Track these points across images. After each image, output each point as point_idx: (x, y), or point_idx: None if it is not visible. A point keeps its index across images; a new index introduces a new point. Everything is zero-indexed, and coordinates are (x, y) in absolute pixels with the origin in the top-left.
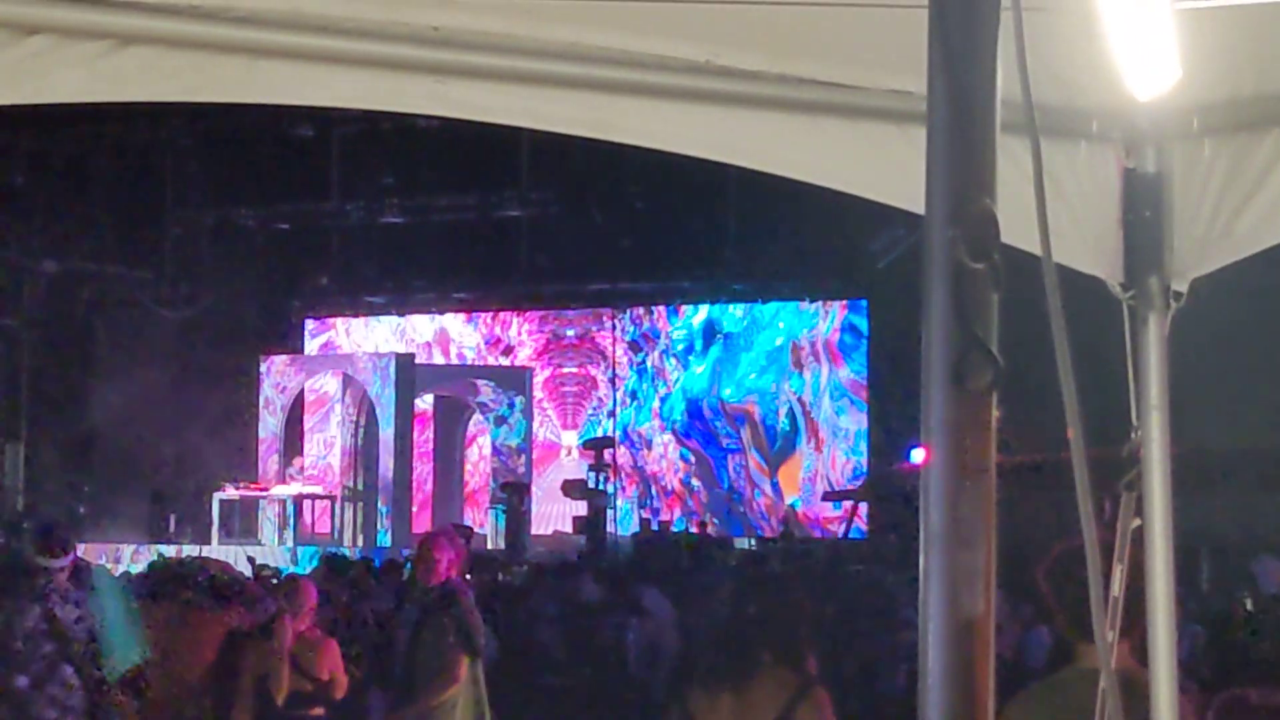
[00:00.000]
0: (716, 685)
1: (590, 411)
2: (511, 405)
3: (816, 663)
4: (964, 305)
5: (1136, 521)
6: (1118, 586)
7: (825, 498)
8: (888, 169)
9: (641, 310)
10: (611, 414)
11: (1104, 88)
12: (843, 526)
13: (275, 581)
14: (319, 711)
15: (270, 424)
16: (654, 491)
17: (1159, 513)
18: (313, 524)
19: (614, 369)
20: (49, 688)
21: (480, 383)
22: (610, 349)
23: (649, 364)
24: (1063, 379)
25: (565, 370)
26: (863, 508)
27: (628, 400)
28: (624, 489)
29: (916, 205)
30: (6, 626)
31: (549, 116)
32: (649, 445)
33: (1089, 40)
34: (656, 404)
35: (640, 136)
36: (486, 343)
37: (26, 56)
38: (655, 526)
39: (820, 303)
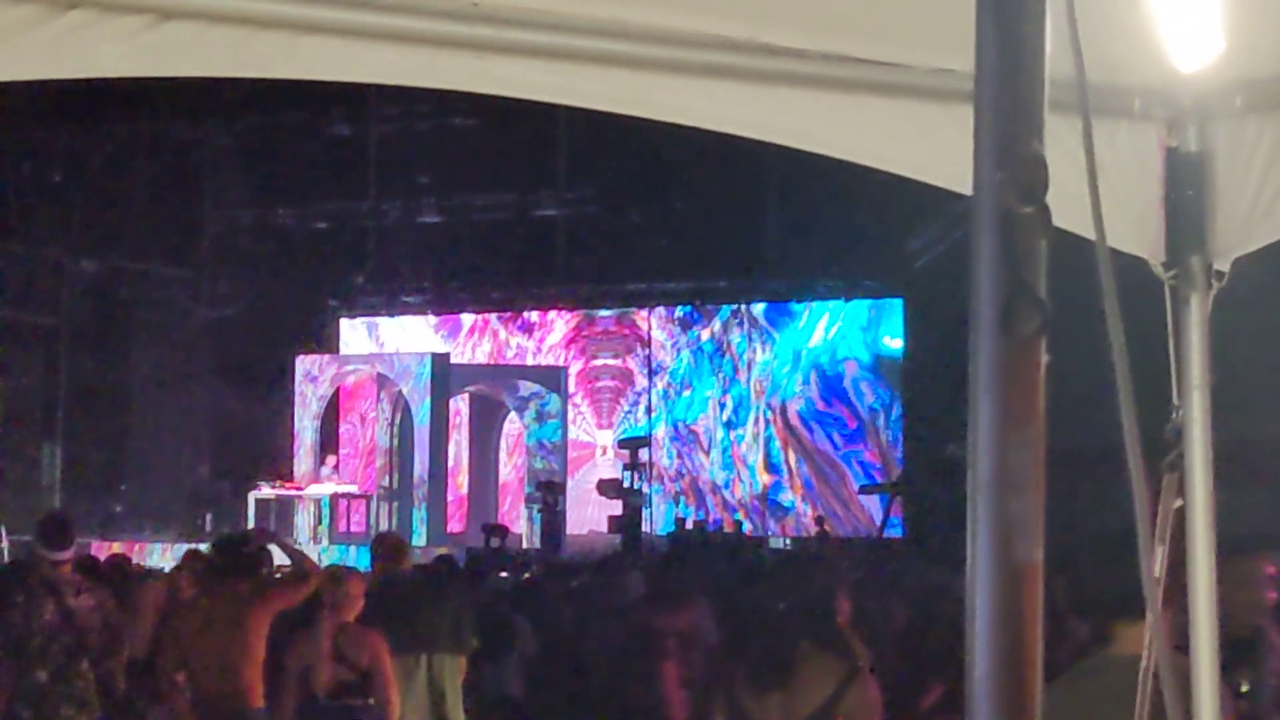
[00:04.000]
0: (763, 673)
1: (625, 411)
2: (547, 404)
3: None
4: (1012, 250)
5: (1178, 502)
6: (1159, 568)
7: (862, 491)
8: (931, 148)
9: (677, 309)
10: (647, 413)
11: (1146, 65)
12: (880, 521)
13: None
14: (362, 702)
15: (306, 423)
16: (687, 491)
17: (1201, 494)
18: (348, 523)
19: (649, 369)
20: (66, 682)
21: (516, 381)
22: (645, 348)
23: (682, 364)
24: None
25: (601, 370)
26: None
27: (661, 401)
28: (665, 489)
29: (960, 185)
30: (22, 621)
31: (588, 94)
32: (684, 444)
33: (1131, 15)
34: (689, 403)
35: (680, 114)
36: (522, 342)
37: (66, 31)
38: (690, 526)
39: (856, 300)
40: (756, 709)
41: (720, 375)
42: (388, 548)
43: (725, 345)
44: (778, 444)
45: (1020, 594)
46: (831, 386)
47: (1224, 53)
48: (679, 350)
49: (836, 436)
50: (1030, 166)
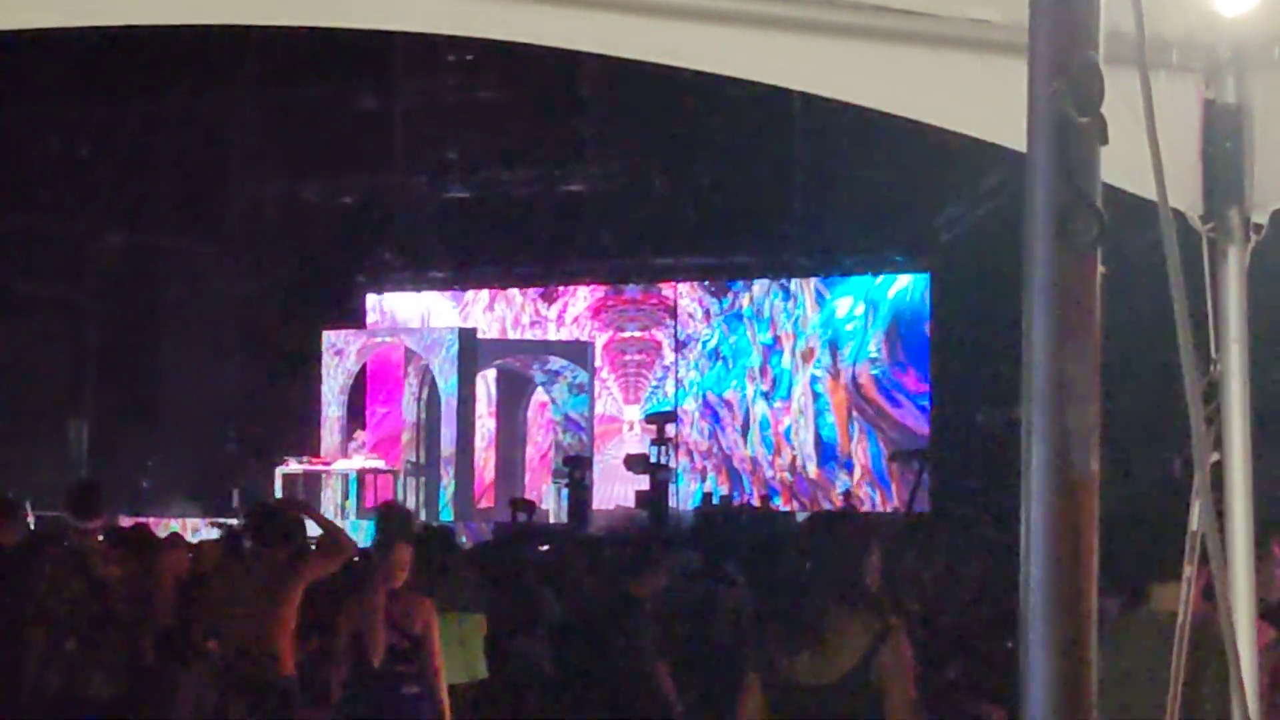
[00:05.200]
0: (795, 633)
1: (653, 385)
2: (574, 379)
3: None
4: (1068, 160)
5: (1215, 456)
6: (1196, 522)
7: (892, 458)
8: (968, 98)
9: (703, 284)
10: (675, 386)
11: (1185, 15)
12: (908, 496)
13: None
14: (414, 668)
15: (333, 398)
16: (718, 466)
17: (1238, 446)
18: (375, 497)
19: (676, 341)
20: (94, 650)
21: (543, 356)
22: (673, 320)
23: (714, 335)
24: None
25: (628, 343)
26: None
27: (690, 374)
28: (695, 464)
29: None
30: (50, 590)
31: (624, 43)
32: (716, 418)
33: None
34: (721, 376)
35: (716, 64)
36: (549, 316)
37: None
38: (716, 500)
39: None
40: (790, 669)
41: (758, 345)
42: (394, 518)
43: (765, 315)
44: (831, 416)
45: (1077, 505)
46: (853, 361)
47: (1262, 3)
48: (711, 321)
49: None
50: (1087, 75)
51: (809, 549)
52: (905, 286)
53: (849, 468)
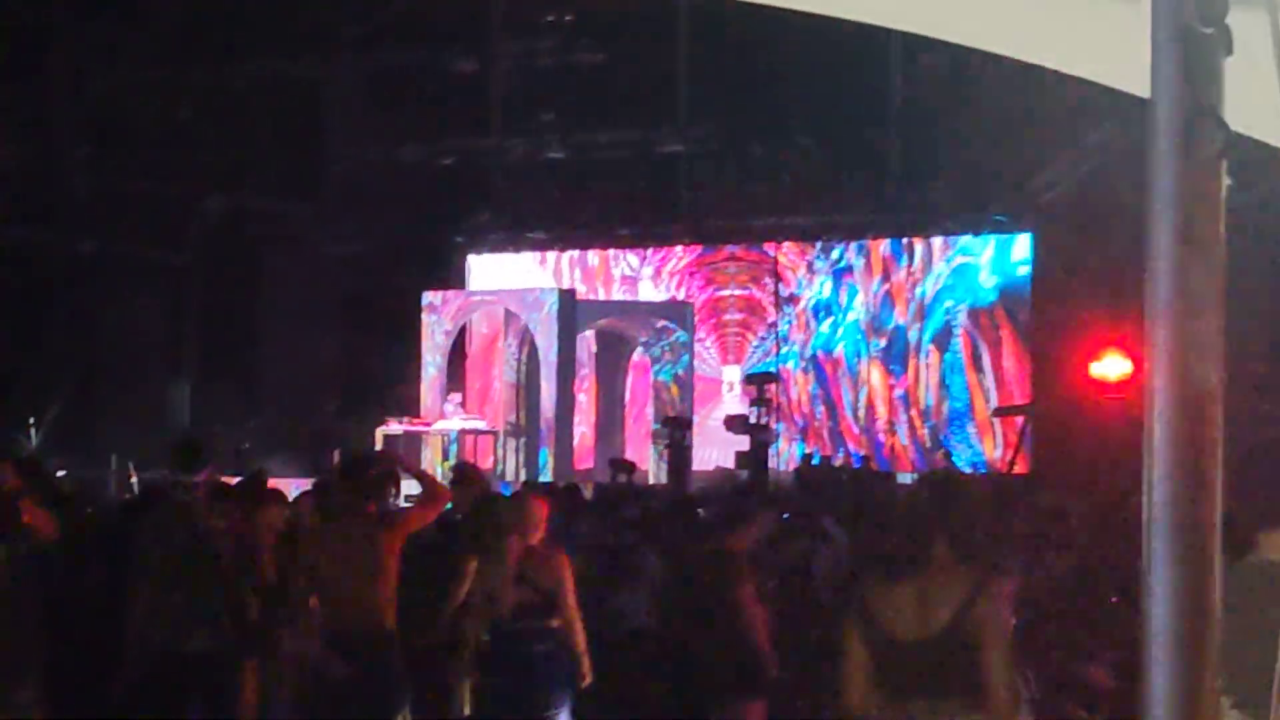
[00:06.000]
0: (896, 567)
1: (754, 345)
2: (674, 340)
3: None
4: (1193, 71)
5: None
6: None
7: (995, 413)
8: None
9: (804, 243)
10: (776, 346)
11: None
12: (1010, 455)
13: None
14: (549, 623)
15: (433, 359)
16: (821, 427)
17: None
18: (475, 459)
19: (777, 300)
20: (198, 604)
21: (643, 317)
22: (774, 279)
23: (821, 293)
24: None
25: (727, 303)
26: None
27: (793, 333)
28: (795, 425)
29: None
30: (155, 544)
31: None
32: (810, 380)
33: None
34: (813, 340)
35: (821, 5)
36: (648, 277)
37: None
38: (816, 461)
39: (985, 235)
40: (888, 624)
41: (864, 304)
42: (468, 475)
43: (869, 274)
44: (934, 376)
45: (1201, 418)
46: (959, 322)
47: None
48: (815, 280)
49: (961, 371)
50: None
51: (916, 505)
52: (1008, 245)
53: (955, 426)
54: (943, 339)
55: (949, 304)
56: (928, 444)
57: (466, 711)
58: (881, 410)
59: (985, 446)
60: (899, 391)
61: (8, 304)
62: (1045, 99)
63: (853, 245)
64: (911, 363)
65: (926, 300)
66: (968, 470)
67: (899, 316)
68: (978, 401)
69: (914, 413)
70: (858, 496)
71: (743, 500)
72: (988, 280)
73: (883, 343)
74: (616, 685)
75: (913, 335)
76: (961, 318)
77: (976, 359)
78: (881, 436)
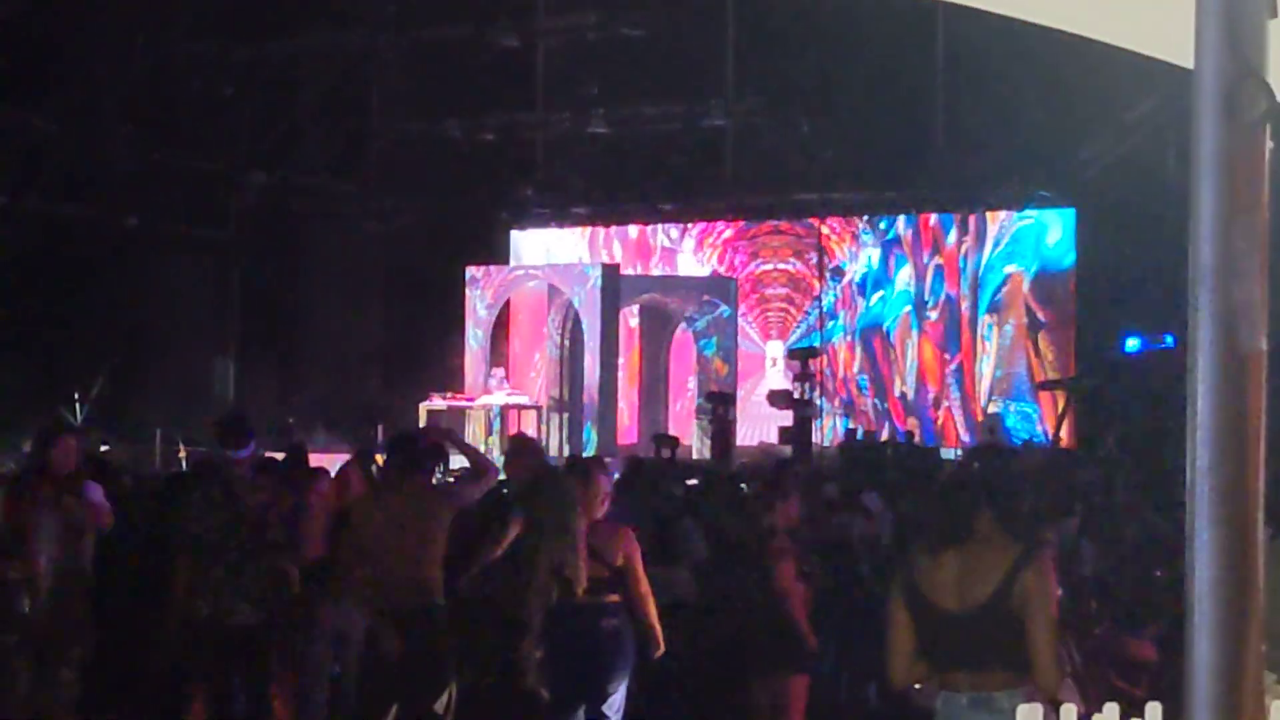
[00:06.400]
0: (940, 536)
1: (798, 320)
2: (717, 314)
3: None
4: (1237, 33)
5: None
6: None
7: (1041, 387)
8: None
9: (848, 218)
10: (820, 321)
11: None
12: (1055, 427)
13: None
14: (615, 598)
15: (475, 335)
16: (867, 402)
17: None
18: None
19: (821, 274)
20: (242, 578)
21: (686, 292)
22: (818, 254)
23: (869, 267)
24: None
25: (771, 278)
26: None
27: (838, 307)
28: (839, 401)
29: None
30: (200, 518)
31: None
32: (853, 355)
33: None
34: (861, 314)
35: None
36: (689, 250)
37: None
38: (860, 436)
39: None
40: (933, 578)
41: (909, 280)
42: (525, 447)
43: (912, 250)
44: (978, 350)
45: (1244, 383)
46: (999, 298)
47: None
48: (859, 256)
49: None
50: None
51: (963, 476)
52: (1050, 221)
53: (1011, 399)
54: (998, 310)
55: (1008, 271)
56: (980, 418)
57: (533, 686)
58: (932, 385)
59: (1042, 419)
60: (952, 366)
61: (52, 279)
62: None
63: (901, 218)
64: (965, 335)
65: (981, 271)
66: (1023, 443)
67: (950, 288)
68: (1035, 373)
69: (967, 386)
70: (900, 472)
71: (785, 476)
72: (1041, 252)
73: (935, 315)
74: (659, 659)
75: (966, 307)
76: (1016, 288)
77: (1032, 330)
78: (930, 411)
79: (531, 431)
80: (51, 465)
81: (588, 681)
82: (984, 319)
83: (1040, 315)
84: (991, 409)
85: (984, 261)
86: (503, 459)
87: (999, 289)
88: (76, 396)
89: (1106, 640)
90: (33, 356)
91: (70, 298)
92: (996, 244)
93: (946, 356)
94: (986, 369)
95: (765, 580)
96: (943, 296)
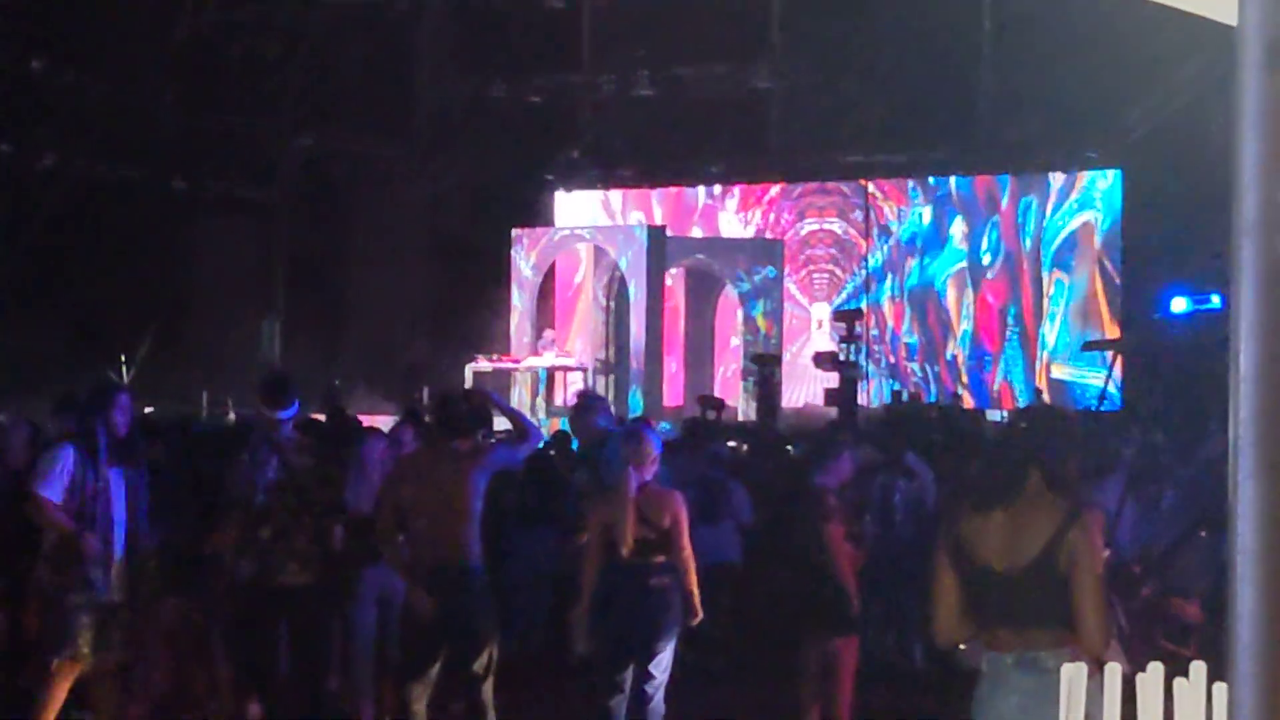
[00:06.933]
0: (988, 494)
1: (842, 284)
2: (763, 277)
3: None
4: None
5: None
6: None
7: (1085, 348)
8: None
9: (895, 180)
10: (866, 282)
11: None
12: (1102, 385)
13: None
14: (663, 559)
15: (521, 296)
16: (917, 363)
17: None
18: (565, 395)
19: (867, 234)
20: (287, 539)
21: (732, 254)
22: (865, 213)
23: (919, 225)
24: None
25: (816, 240)
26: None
27: (885, 268)
28: (886, 362)
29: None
30: (246, 479)
31: None
32: (900, 316)
33: None
34: (909, 275)
35: None
36: (732, 210)
37: None
38: (906, 398)
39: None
40: (980, 536)
41: (958, 241)
42: (593, 404)
43: (961, 211)
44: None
45: None
46: (1050, 260)
47: None
48: (906, 217)
49: (1055, 305)
50: None
51: (1011, 436)
52: (1098, 183)
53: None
54: (1058, 267)
55: (1070, 229)
56: (1041, 381)
57: (581, 646)
58: (989, 345)
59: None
60: (1012, 326)
61: (99, 241)
62: (1135, 34)
63: (942, 183)
64: (1025, 292)
65: (1043, 228)
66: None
67: (1009, 245)
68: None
69: (1025, 344)
70: (945, 433)
71: (831, 437)
72: (1097, 212)
73: (992, 274)
74: (704, 620)
75: (1027, 264)
76: (1088, 242)
77: (1108, 288)
78: (987, 375)
79: (576, 392)
80: (111, 427)
81: (636, 640)
82: (1046, 275)
83: (1094, 272)
84: (1055, 373)
85: (1048, 217)
86: (570, 415)
87: (1068, 244)
88: (123, 358)
89: (1153, 601)
90: (79, 318)
91: (117, 259)
92: (1066, 200)
93: (1008, 318)
94: (1046, 326)
95: (812, 542)
96: (1002, 255)
